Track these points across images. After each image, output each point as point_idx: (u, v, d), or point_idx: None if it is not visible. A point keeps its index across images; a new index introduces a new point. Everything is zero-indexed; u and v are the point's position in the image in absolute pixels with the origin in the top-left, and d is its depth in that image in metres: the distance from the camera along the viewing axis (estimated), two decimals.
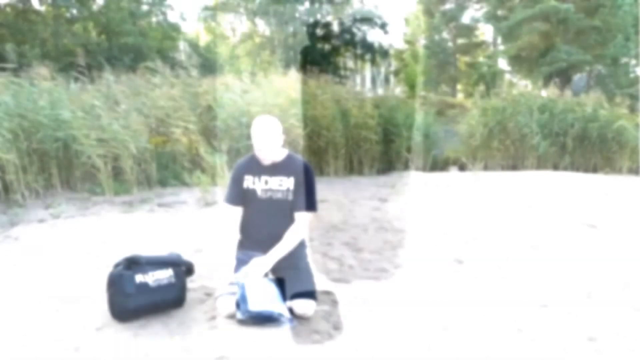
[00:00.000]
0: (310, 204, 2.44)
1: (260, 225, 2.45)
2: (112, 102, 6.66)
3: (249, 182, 2.44)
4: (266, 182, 2.42)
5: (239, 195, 2.46)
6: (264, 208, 2.43)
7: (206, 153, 6.49)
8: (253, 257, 2.42)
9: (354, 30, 22.41)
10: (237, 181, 2.46)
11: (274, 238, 2.43)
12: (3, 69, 6.22)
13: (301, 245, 2.52)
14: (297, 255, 2.45)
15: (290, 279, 2.33)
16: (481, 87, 11.57)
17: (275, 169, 2.42)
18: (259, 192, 2.42)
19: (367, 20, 21.86)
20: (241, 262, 2.35)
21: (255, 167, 2.44)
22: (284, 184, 2.41)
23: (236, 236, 2.46)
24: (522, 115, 10.04)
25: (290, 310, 2.26)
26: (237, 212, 2.47)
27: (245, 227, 2.51)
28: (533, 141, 9.75)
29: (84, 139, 5.69)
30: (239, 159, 2.61)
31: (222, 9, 22.00)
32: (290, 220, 2.46)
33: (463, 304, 2.53)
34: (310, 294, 2.33)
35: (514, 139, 10.25)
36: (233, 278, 2.26)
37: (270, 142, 2.34)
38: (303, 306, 2.26)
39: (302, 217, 2.42)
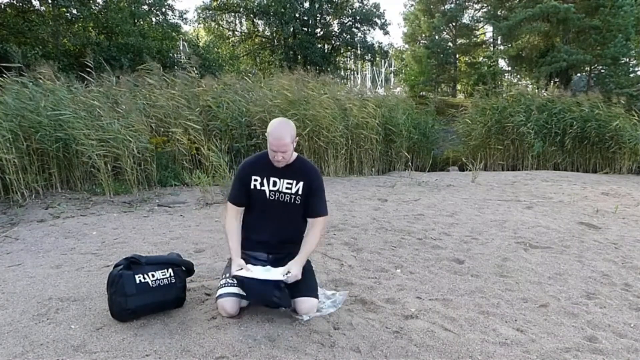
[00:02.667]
0: (325, 209, 2.47)
1: (265, 227, 2.44)
2: (113, 102, 6.67)
3: (257, 182, 2.39)
4: (274, 184, 2.39)
5: (244, 195, 2.42)
6: (270, 210, 2.41)
7: (207, 152, 6.50)
8: (255, 257, 2.42)
9: (354, 30, 22.41)
10: (243, 181, 2.41)
11: (278, 239, 2.43)
12: (7, 69, 6.24)
13: None
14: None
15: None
16: (481, 87, 11.57)
17: (284, 172, 2.38)
18: (268, 194, 2.39)
19: (367, 20, 21.86)
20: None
21: (264, 168, 2.39)
22: (293, 187, 2.39)
23: (235, 233, 2.41)
24: (520, 115, 10.06)
25: (293, 310, 2.29)
26: (240, 210, 2.45)
27: (249, 227, 2.48)
28: (534, 142, 9.77)
29: (84, 139, 5.69)
30: (246, 158, 2.56)
31: (222, 9, 22.00)
32: (295, 223, 2.46)
33: (463, 303, 2.53)
34: (313, 293, 2.33)
35: (513, 139, 10.27)
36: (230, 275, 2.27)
37: (290, 146, 2.28)
38: (305, 304, 2.27)
39: (321, 221, 2.43)
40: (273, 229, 2.42)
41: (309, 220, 2.44)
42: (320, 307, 2.34)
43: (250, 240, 2.46)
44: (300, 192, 2.39)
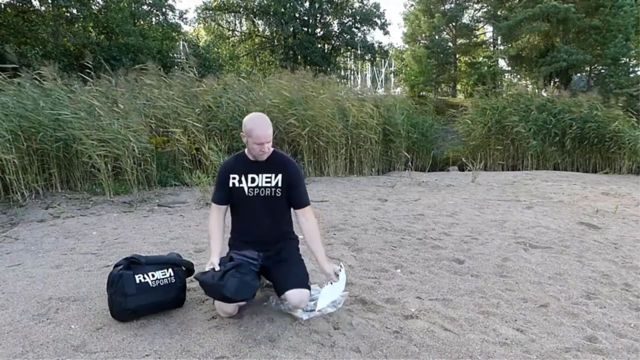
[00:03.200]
0: (308, 198, 2.51)
1: (250, 223, 2.45)
2: (112, 102, 6.68)
3: (235, 180, 2.42)
4: (253, 180, 2.41)
5: (226, 196, 2.45)
6: (252, 206, 2.42)
7: (207, 152, 6.50)
8: (244, 255, 2.40)
9: (354, 30, 22.41)
10: (223, 182, 2.45)
11: (267, 238, 2.43)
12: (4, 70, 6.24)
13: (292, 240, 2.53)
14: (288, 250, 2.47)
15: (283, 273, 2.35)
16: (481, 87, 11.57)
17: (263, 166, 2.41)
18: (246, 190, 2.41)
19: (367, 20, 21.85)
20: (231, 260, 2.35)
21: (242, 166, 2.43)
22: (272, 180, 2.40)
23: (218, 236, 2.44)
24: (519, 115, 10.07)
25: (285, 299, 2.30)
26: (222, 209, 2.48)
27: (237, 230, 2.51)
28: (529, 140, 9.80)
29: (84, 139, 5.69)
30: (225, 160, 2.60)
31: (222, 9, 22.00)
32: (280, 219, 2.47)
33: (463, 303, 2.53)
34: (303, 284, 2.32)
35: (513, 139, 10.28)
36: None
37: (271, 137, 2.33)
38: (297, 296, 2.26)
39: (310, 210, 2.47)
40: (259, 228, 2.44)
41: (298, 212, 2.46)
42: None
43: (239, 240, 2.48)
44: (280, 185, 2.40)
